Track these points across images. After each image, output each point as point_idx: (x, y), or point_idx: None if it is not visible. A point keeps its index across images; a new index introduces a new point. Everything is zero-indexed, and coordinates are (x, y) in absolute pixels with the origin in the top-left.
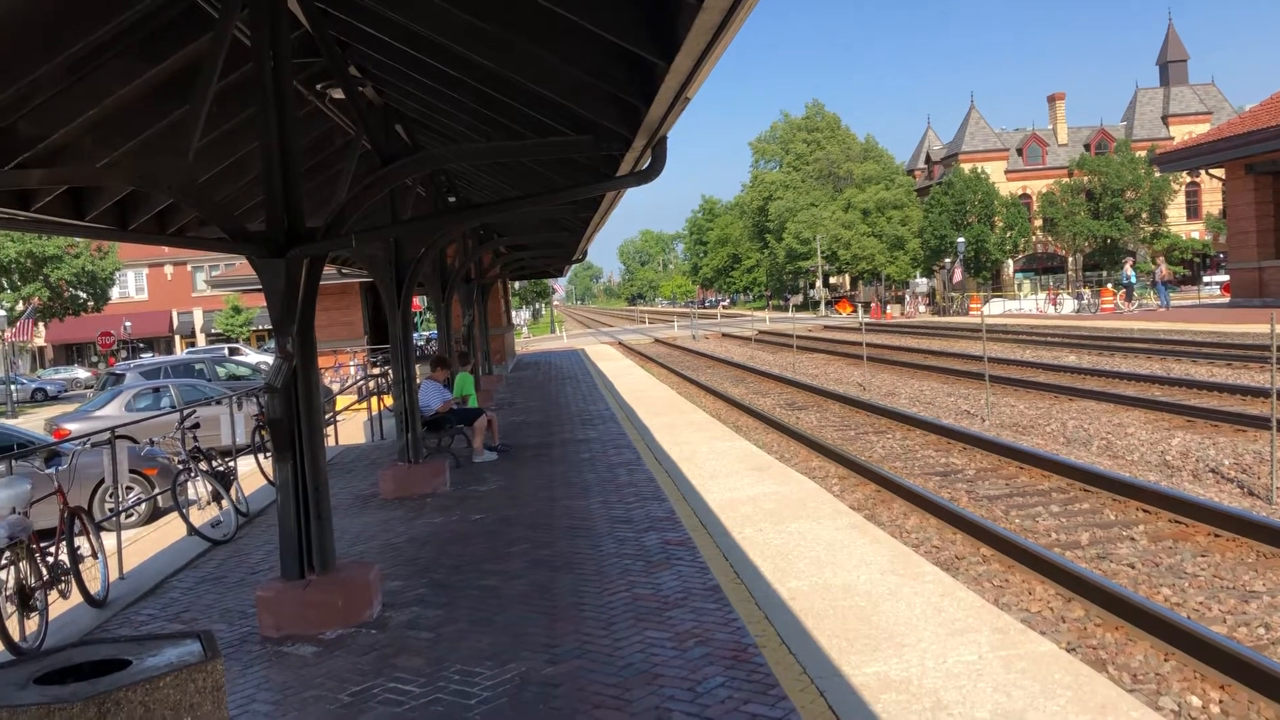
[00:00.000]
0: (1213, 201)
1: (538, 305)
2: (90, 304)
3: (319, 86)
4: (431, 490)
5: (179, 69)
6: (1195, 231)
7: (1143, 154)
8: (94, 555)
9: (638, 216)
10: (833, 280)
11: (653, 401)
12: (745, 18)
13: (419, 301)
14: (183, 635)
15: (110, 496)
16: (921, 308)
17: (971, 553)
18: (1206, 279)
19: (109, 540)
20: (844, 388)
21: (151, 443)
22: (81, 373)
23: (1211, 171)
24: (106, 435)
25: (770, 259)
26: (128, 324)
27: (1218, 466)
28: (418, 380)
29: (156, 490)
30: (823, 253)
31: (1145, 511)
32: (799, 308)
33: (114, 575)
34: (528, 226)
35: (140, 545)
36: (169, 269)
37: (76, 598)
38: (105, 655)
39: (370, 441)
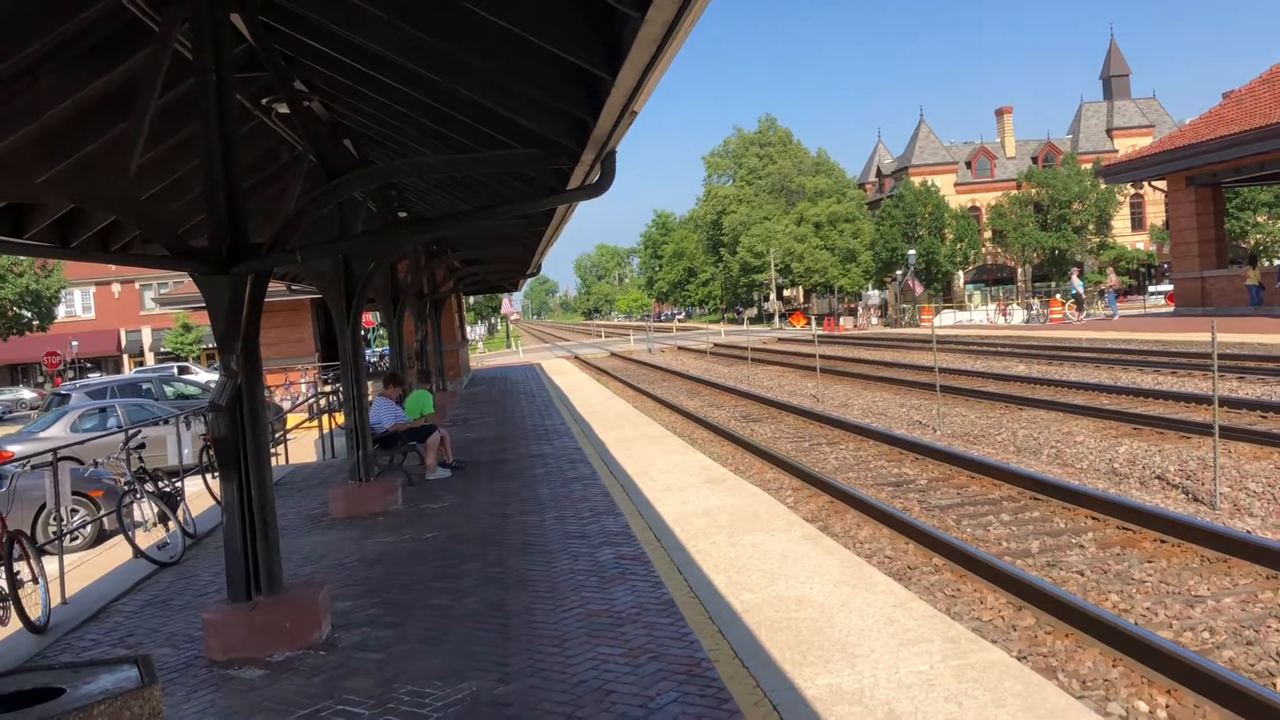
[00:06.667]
0: (1156, 213)
1: (493, 320)
2: (35, 323)
3: (264, 101)
4: (383, 509)
5: (121, 83)
6: (1140, 242)
7: (1088, 166)
8: (35, 580)
9: (593, 230)
10: (786, 293)
11: (608, 415)
12: (689, 30)
13: (371, 317)
14: (120, 661)
15: (53, 519)
16: (874, 319)
17: (924, 562)
18: (1152, 289)
19: (51, 564)
20: (798, 399)
21: (96, 464)
22: (27, 393)
23: (1154, 184)
24: (49, 457)
25: (725, 272)
26: (74, 343)
27: (1164, 473)
28: (369, 397)
29: (102, 512)
30: (776, 266)
31: (1094, 519)
32: (753, 320)
33: (56, 600)
34: (481, 241)
35: (84, 569)
36: (116, 287)
37: (16, 624)
38: (39, 684)
39: (321, 460)
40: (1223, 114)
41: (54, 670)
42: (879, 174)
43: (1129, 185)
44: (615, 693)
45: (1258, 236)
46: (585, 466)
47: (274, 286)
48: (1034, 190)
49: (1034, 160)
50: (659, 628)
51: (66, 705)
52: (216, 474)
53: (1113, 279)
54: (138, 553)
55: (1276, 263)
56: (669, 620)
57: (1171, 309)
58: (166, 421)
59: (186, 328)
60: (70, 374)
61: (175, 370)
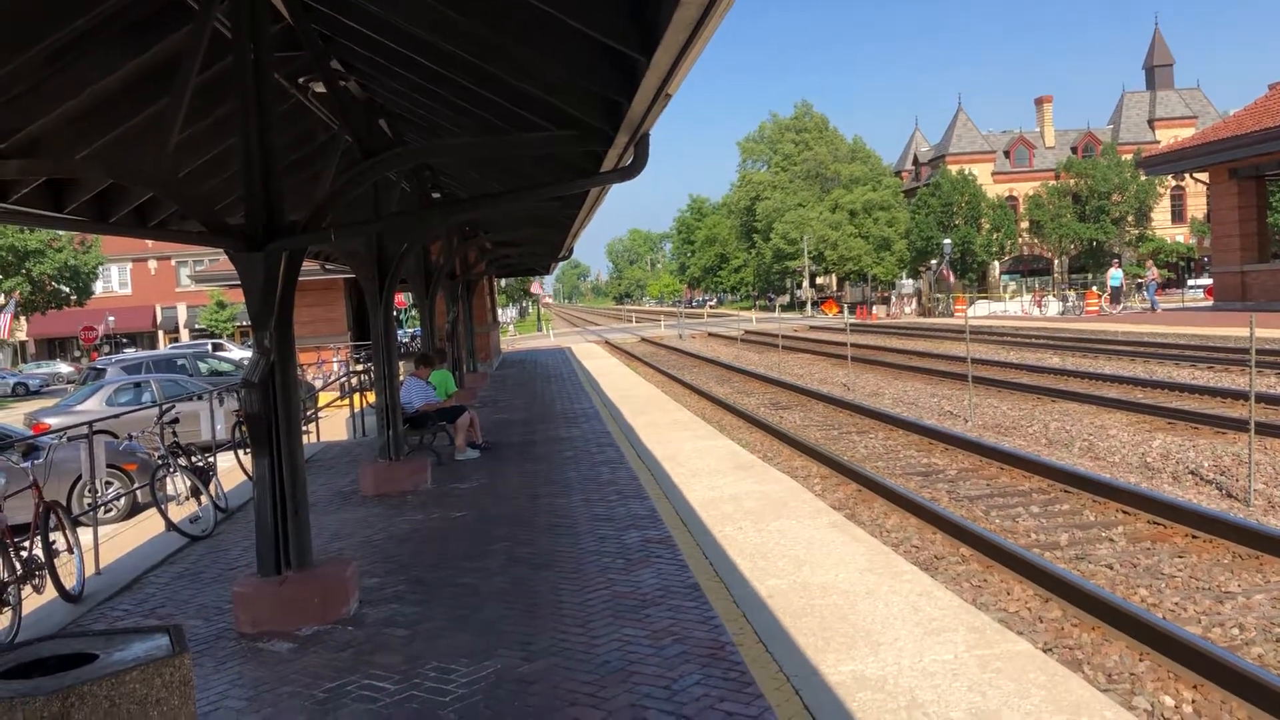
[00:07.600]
0: (1197, 205)
1: (524, 303)
2: (73, 298)
3: (301, 80)
4: (412, 487)
5: (160, 61)
6: (1180, 235)
7: (1129, 157)
8: (70, 550)
9: (626, 215)
10: (819, 280)
11: (637, 400)
12: (725, 13)
13: (404, 298)
14: (151, 630)
15: (88, 491)
16: (907, 309)
17: (951, 552)
18: (1191, 282)
19: (86, 535)
20: (828, 388)
21: (131, 437)
22: (63, 367)
23: (1196, 175)
24: (85, 430)
25: (758, 259)
26: (110, 319)
27: (1197, 468)
28: (400, 377)
29: (135, 485)
30: (809, 253)
31: (1125, 513)
32: (785, 308)
33: (90, 570)
34: (513, 223)
35: (118, 540)
36: (153, 264)
37: (51, 593)
38: (73, 649)
39: (352, 438)
40: (1268, 105)
41: (88, 637)
42: (916, 162)
43: (1170, 177)
44: (638, 674)
45: None
46: (613, 450)
47: (308, 265)
48: (1073, 181)
49: (1073, 150)
50: (683, 611)
51: (100, 670)
52: (248, 450)
53: (1154, 272)
54: (170, 526)
55: None
56: (693, 604)
57: (1210, 303)
58: (200, 397)
59: (221, 305)
60: (106, 349)
61: (209, 347)
